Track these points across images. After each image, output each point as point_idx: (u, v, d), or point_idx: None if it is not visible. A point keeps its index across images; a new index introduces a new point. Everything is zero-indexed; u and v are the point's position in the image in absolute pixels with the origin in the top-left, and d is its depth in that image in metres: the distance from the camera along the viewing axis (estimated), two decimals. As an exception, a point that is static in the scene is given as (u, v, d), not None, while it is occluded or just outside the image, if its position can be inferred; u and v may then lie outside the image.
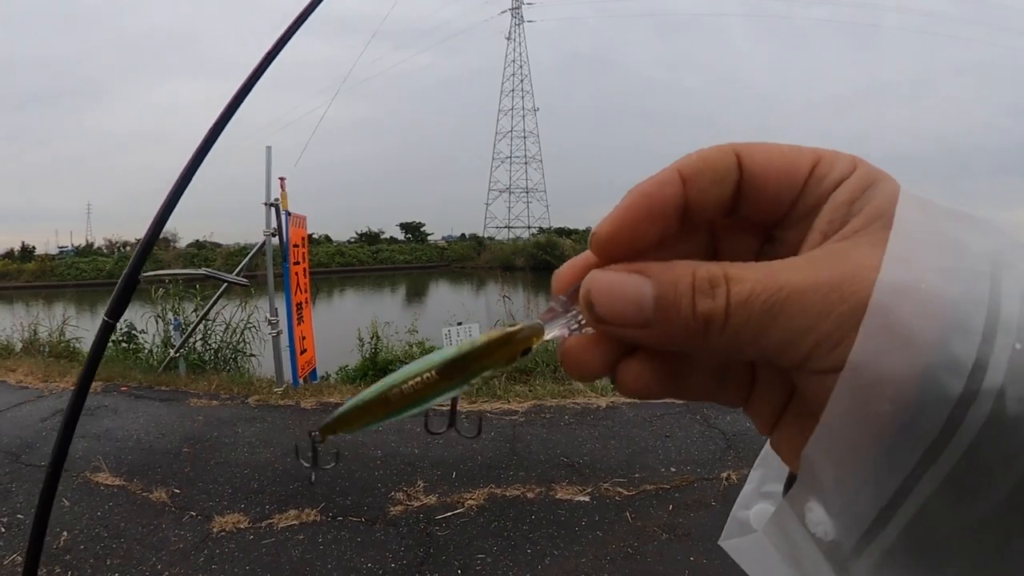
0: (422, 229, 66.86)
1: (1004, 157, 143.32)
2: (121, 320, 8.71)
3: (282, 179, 8.26)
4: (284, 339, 8.49)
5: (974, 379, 0.25)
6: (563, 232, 63.47)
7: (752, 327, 0.29)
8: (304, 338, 8.74)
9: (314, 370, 9.21)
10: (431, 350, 8.57)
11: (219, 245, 55.67)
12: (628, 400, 7.14)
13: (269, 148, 8.30)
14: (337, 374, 9.98)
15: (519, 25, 79.77)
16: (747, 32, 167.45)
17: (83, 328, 11.95)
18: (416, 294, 36.48)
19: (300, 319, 8.61)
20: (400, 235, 66.87)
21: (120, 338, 10.71)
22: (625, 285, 0.32)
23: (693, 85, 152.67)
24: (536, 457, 5.72)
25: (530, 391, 7.75)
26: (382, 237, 64.93)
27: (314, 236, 60.85)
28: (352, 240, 64.07)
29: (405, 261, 56.66)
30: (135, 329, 10.91)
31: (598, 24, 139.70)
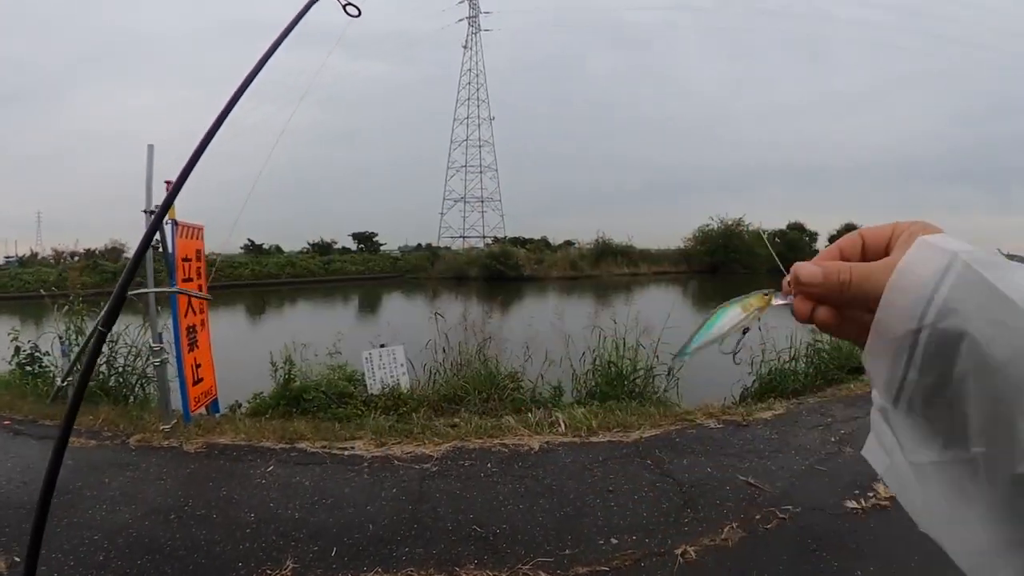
0: (375, 239, 65.54)
1: (951, 165, 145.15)
2: (25, 341, 7.40)
3: (168, 183, 6.99)
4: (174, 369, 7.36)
5: (924, 317, 0.54)
6: (518, 242, 62.82)
7: (859, 285, 0.63)
8: (199, 366, 7.55)
9: (215, 401, 8.00)
10: (352, 375, 7.02)
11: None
12: (566, 440, 6.13)
13: (151, 147, 7.07)
14: (250, 403, 8.65)
15: (475, 34, 79.08)
16: (699, 44, 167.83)
17: None
18: (367, 306, 35.25)
19: (193, 344, 7.41)
20: (353, 245, 65.41)
21: (23, 360, 9.42)
22: (811, 267, 0.70)
23: (647, 94, 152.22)
24: (442, 525, 4.56)
25: (452, 428, 6.59)
26: (335, 247, 63.46)
27: (264, 246, 59.57)
28: (304, 251, 62.57)
29: (357, 272, 55.22)
30: (39, 351, 9.50)
31: (554, 35, 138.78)
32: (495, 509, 4.74)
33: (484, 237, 74.29)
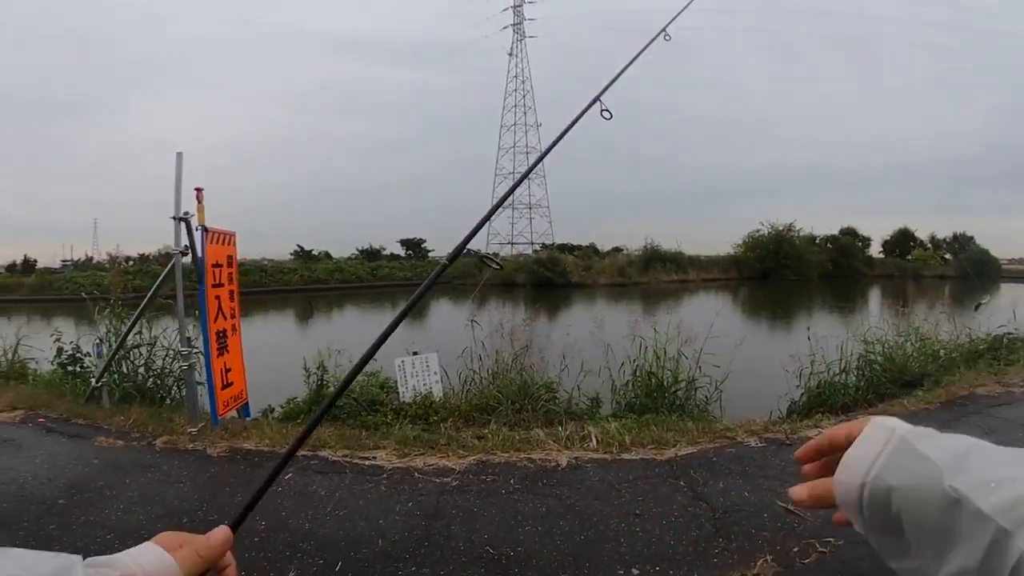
0: (423, 245, 65.77)
1: (1004, 166, 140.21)
2: (68, 342, 7.37)
3: (198, 190, 6.97)
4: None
5: (867, 476, 0.73)
6: (566, 248, 62.45)
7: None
8: (229, 370, 7.49)
9: (245, 405, 7.94)
10: (385, 383, 6.80)
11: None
12: (596, 456, 5.83)
13: (180, 154, 7.04)
14: (283, 408, 8.52)
15: (521, 41, 78.97)
16: (748, 46, 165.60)
17: (39, 348, 10.77)
18: (415, 312, 35.12)
19: (223, 349, 7.36)
20: (401, 252, 65.70)
21: (65, 360, 9.53)
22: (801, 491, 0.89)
23: (693, 98, 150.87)
24: (454, 544, 4.28)
25: (479, 440, 6.31)
26: (383, 253, 63.83)
27: (313, 252, 60.15)
28: (353, 256, 63.09)
29: (405, 278, 55.31)
30: (80, 352, 9.59)
31: (599, 38, 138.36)
32: (512, 529, 4.44)
33: (532, 243, 74.07)
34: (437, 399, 8.15)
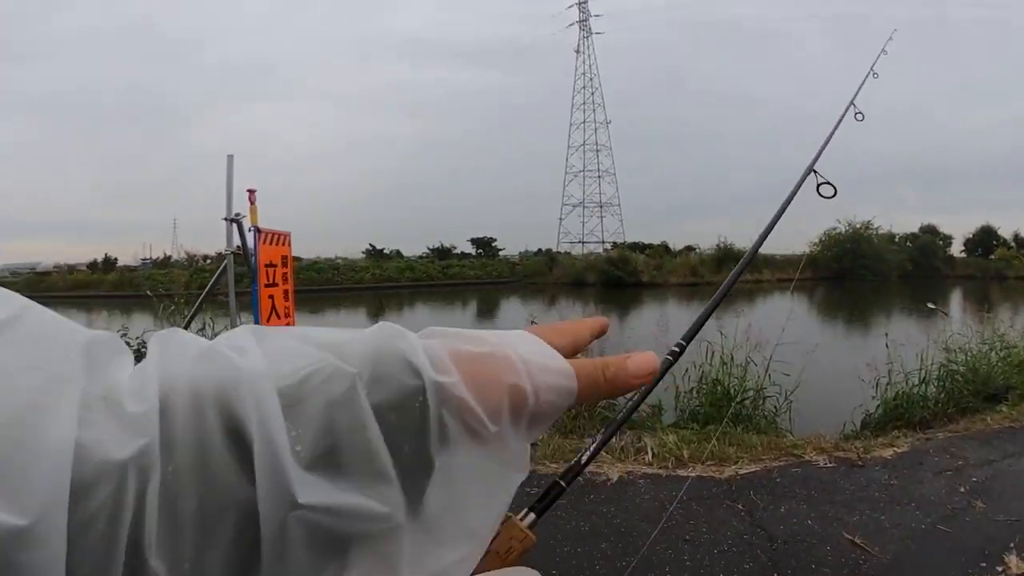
0: (493, 244, 65.88)
1: None
2: (134, 338, 7.43)
3: (251, 191, 6.89)
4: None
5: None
6: (637, 247, 61.84)
7: None
8: None
9: None
10: None
11: (296, 259, 55.46)
12: (650, 471, 5.51)
13: (231, 157, 7.00)
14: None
15: (587, 38, 78.48)
16: (824, 37, 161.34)
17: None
18: (483, 311, 35.26)
19: None
20: (471, 250, 65.97)
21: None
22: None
23: (767, 95, 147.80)
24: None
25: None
26: (453, 252, 64.22)
27: (385, 251, 60.82)
28: (424, 255, 63.64)
29: (475, 276, 55.59)
30: (145, 349, 9.53)
31: (670, 37, 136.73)
32: (549, 550, 4.15)
33: (603, 242, 73.46)
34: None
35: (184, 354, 0.40)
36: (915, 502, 4.97)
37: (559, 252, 67.44)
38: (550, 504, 0.69)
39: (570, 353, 0.54)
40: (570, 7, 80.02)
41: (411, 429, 0.41)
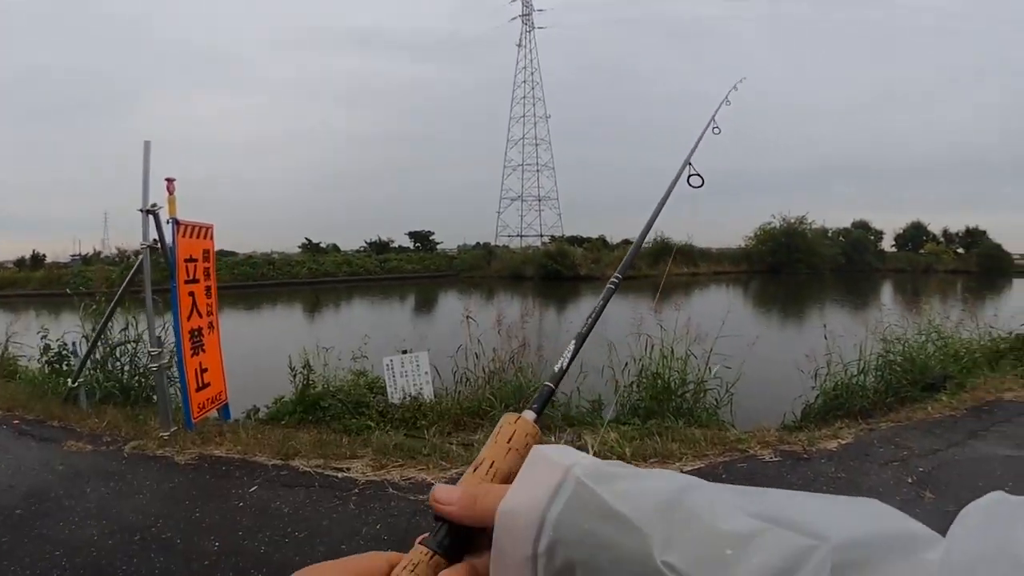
0: (431, 238, 65.42)
1: (1020, 159, 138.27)
2: (54, 339, 6.97)
3: (169, 180, 6.49)
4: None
5: (538, 544, 0.51)
6: (575, 240, 61.99)
7: (483, 503, 0.58)
8: (205, 370, 7.03)
9: (225, 406, 7.47)
10: (375, 383, 6.32)
11: (232, 254, 54.11)
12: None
13: (148, 143, 6.60)
14: (269, 408, 8.11)
15: (529, 32, 78.36)
16: (762, 37, 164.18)
17: (29, 345, 10.34)
18: (424, 305, 34.87)
19: (197, 348, 6.88)
20: (409, 244, 65.42)
21: (51, 358, 9.28)
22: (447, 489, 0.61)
23: (707, 92, 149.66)
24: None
25: (466, 449, 5.79)
26: (391, 246, 63.58)
27: (321, 245, 59.89)
28: (361, 249, 62.88)
29: (413, 270, 55.08)
30: (67, 349, 9.21)
31: (610, 32, 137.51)
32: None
33: (541, 236, 73.53)
34: (427, 401, 7.65)
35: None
36: (863, 494, 4.80)
37: (497, 245, 67.36)
38: (545, 404, 0.80)
39: None
40: (513, 1, 79.74)
41: None
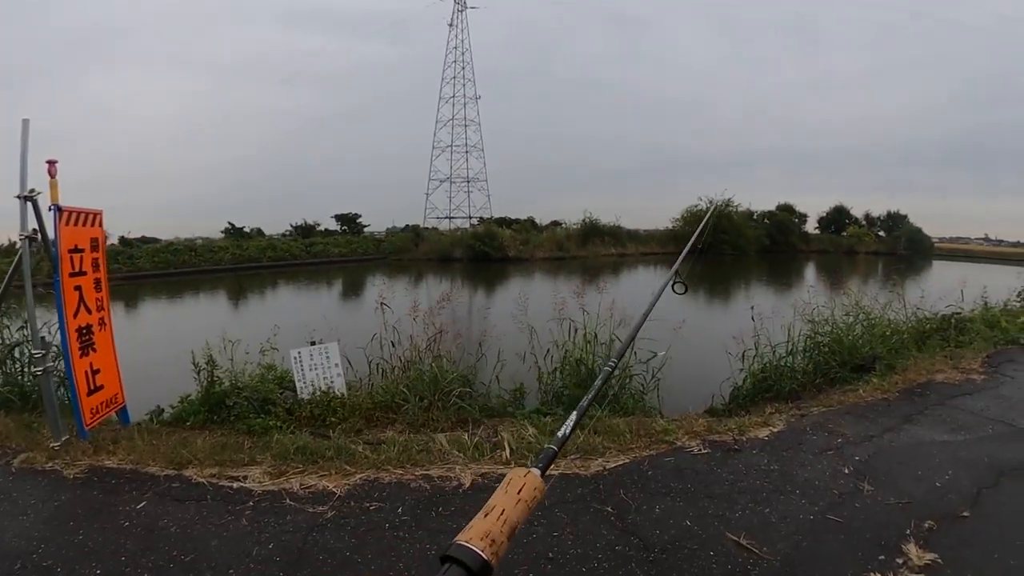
0: (358, 221, 64.25)
1: (944, 149, 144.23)
2: None
3: (50, 163, 5.77)
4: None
5: None
6: (504, 222, 61.69)
7: None
8: (98, 372, 6.37)
9: (123, 410, 6.82)
10: (283, 376, 5.63)
11: (155, 240, 52.24)
12: (507, 471, 4.80)
13: (26, 121, 5.82)
14: (174, 408, 7.41)
15: (461, 11, 77.30)
16: (693, 22, 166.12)
17: None
18: (351, 289, 34.06)
19: (87, 348, 6.23)
20: (336, 227, 64.21)
21: None
22: None
23: (638, 77, 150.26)
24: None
25: (374, 450, 5.31)
26: (317, 229, 62.29)
27: (245, 230, 58.30)
28: (286, 233, 61.47)
29: (340, 254, 53.95)
30: None
31: (543, 14, 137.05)
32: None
33: (470, 218, 72.91)
34: (339, 395, 7.12)
35: None
36: (799, 489, 4.55)
37: (426, 228, 66.57)
38: (549, 464, 0.93)
39: None
40: (445, -22, 78.54)
41: None
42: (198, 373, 7.50)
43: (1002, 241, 69.39)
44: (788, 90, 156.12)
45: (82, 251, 6.22)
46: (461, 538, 0.72)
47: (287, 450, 5.36)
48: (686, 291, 1.74)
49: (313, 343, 7.42)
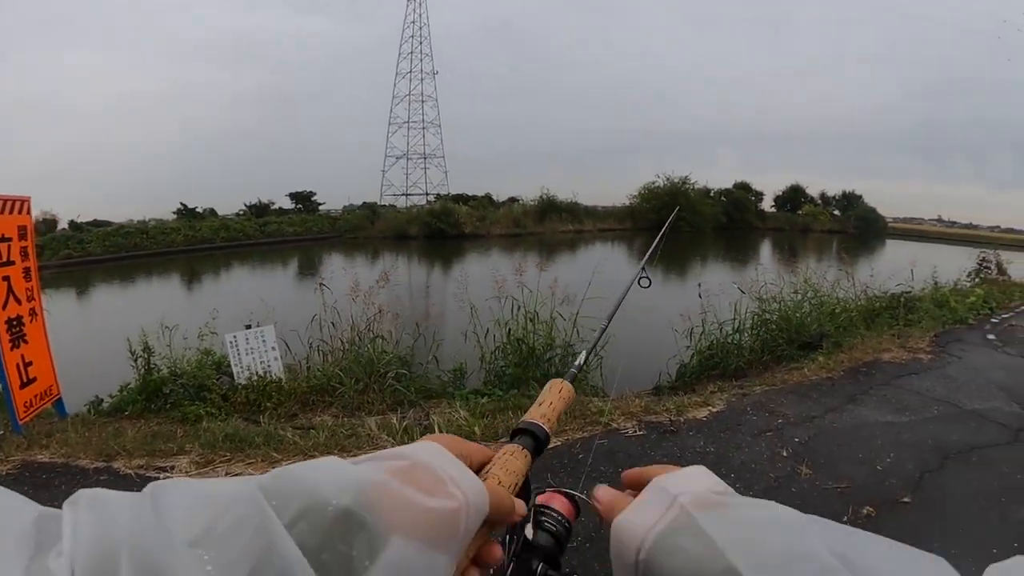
0: (313, 199, 63.46)
1: (899, 136, 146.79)
2: None
3: None
4: None
5: (640, 552, 0.59)
6: (461, 199, 61.29)
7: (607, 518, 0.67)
8: (30, 364, 6.12)
9: (58, 401, 6.54)
10: (221, 362, 5.26)
11: (107, 224, 51.13)
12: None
13: None
14: (113, 397, 7.20)
15: (420, -16, 76.38)
16: (656, 7, 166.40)
17: None
18: (307, 268, 33.54)
19: (18, 340, 5.98)
20: (291, 206, 63.39)
21: None
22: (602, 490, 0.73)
23: (601, 58, 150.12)
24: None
25: (303, 436, 5.10)
26: (272, 208, 61.41)
27: (198, 210, 57.29)
28: (240, 213, 60.51)
29: (295, 233, 53.17)
30: None
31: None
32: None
33: (427, 194, 72.33)
34: (276, 379, 6.90)
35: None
36: (735, 473, 4.44)
37: (383, 205, 65.99)
38: (573, 380, 0.98)
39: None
40: (402, -51, 77.45)
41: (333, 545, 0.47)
42: (135, 361, 7.25)
43: (955, 223, 70.72)
44: (750, 75, 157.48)
45: (9, 240, 5.93)
46: (527, 418, 0.82)
47: (216, 438, 5.16)
48: (650, 285, 1.69)
49: (248, 327, 7.18)
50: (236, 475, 4.41)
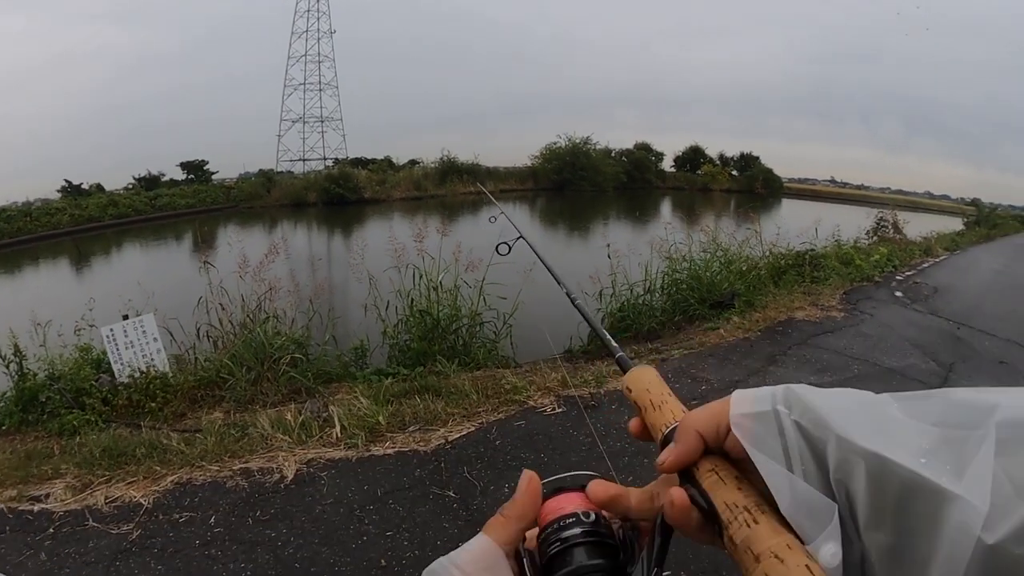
0: (206, 168, 60.99)
1: (794, 100, 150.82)
2: None
3: None
4: None
5: (774, 400, 0.56)
6: (360, 162, 60.00)
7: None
8: None
9: None
10: (101, 359, 4.49)
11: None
12: (336, 455, 4.26)
13: None
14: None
15: (316, -65, 73.82)
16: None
17: None
18: (202, 242, 31.94)
19: None
20: (182, 176, 60.87)
21: None
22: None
23: (503, 21, 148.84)
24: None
25: (188, 442, 4.55)
26: (162, 180, 58.79)
27: (84, 187, 54.31)
28: (130, 187, 57.64)
29: (188, 205, 50.98)
30: None
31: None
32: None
33: (325, 159, 70.56)
34: (161, 375, 6.18)
35: None
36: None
37: (280, 172, 64.10)
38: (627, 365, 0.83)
39: None
40: None
41: None
42: (7, 366, 6.38)
43: (847, 184, 73.47)
44: (650, 36, 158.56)
45: None
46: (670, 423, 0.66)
47: (92, 455, 4.47)
48: (509, 252, 1.73)
49: (126, 317, 6.46)
50: (115, 500, 3.89)
